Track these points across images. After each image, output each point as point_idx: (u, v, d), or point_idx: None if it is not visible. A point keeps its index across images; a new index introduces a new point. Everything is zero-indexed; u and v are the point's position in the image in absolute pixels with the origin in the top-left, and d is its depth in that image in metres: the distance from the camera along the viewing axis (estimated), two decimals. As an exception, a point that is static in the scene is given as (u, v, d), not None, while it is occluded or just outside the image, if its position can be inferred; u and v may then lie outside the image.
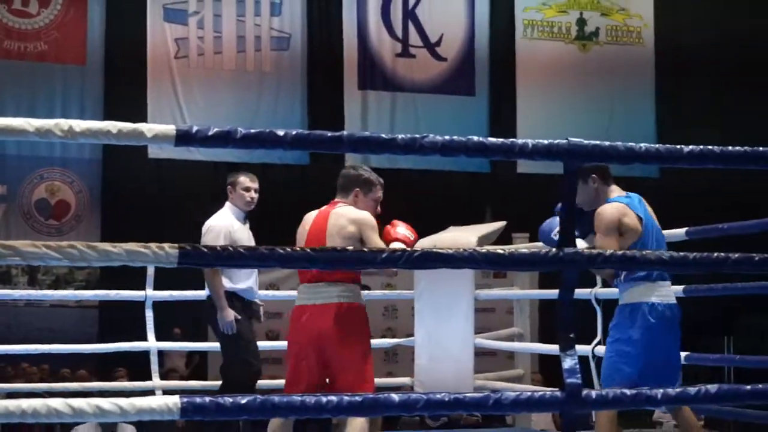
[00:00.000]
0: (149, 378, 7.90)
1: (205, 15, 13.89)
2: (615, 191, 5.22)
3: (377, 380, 8.93)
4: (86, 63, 13.66)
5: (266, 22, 14.10)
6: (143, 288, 7.50)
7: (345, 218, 5.59)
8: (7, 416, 3.07)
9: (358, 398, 3.18)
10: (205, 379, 11.25)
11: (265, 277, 13.19)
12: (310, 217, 5.76)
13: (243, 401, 3.14)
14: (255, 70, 14.08)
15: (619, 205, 5.09)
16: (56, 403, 3.09)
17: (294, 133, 3.35)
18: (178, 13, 13.81)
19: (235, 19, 14.00)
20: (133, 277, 7.78)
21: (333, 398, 3.17)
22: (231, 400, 3.14)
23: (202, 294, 9.64)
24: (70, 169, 13.67)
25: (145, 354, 8.08)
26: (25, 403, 3.08)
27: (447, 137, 3.39)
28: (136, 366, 9.84)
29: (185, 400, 3.15)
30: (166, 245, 3.22)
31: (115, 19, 13.79)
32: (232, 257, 3.26)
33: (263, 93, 13.99)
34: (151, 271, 7.38)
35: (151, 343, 7.56)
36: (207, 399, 3.17)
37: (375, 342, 10.54)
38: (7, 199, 13.45)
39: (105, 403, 3.14)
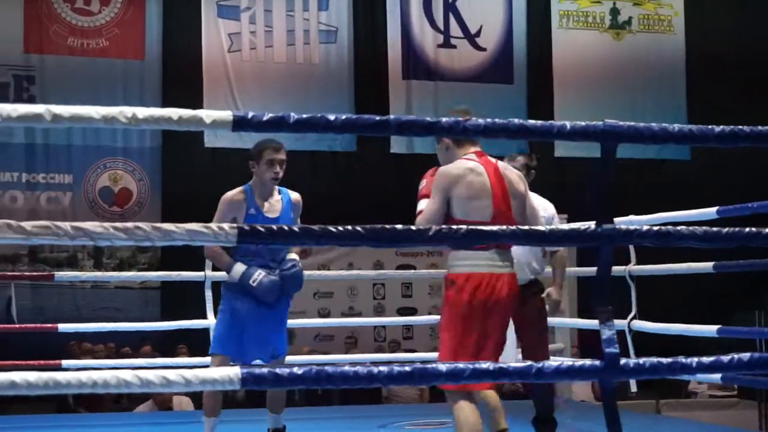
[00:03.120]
0: (208, 354, 7.96)
1: (256, 11, 13.95)
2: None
3: (425, 354, 9.02)
4: (145, 58, 13.75)
5: (314, 17, 14.14)
6: (202, 269, 7.53)
7: (515, 175, 5.11)
8: (80, 387, 3.11)
9: (407, 368, 3.20)
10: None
11: (317, 258, 13.29)
12: (479, 168, 4.93)
13: (300, 372, 3.16)
14: (304, 63, 14.13)
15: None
16: (126, 374, 3.13)
17: (344, 117, 3.36)
18: (230, 9, 13.88)
19: (284, 14, 14.05)
20: (191, 261, 7.84)
21: (384, 368, 3.18)
22: (288, 370, 3.17)
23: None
24: (132, 158, 13.77)
25: (204, 331, 8.14)
26: (96, 375, 3.12)
27: (489, 120, 3.39)
28: (196, 343, 9.93)
29: (245, 371, 3.18)
30: (225, 225, 3.24)
31: (172, 16, 13.87)
32: (286, 236, 3.28)
33: (312, 84, 14.03)
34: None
35: (210, 321, 7.58)
36: (266, 370, 3.20)
37: (423, 318, 10.66)
38: (73, 187, 13.58)
39: (170, 374, 3.17)
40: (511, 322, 5.12)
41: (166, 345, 11.69)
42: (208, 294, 7.55)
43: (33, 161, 13.37)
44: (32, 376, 3.13)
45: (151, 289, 13.36)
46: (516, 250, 5.09)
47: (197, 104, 13.03)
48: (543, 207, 6.16)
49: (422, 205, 5.02)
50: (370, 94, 14.18)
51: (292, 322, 11.89)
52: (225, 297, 5.81)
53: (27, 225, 3.16)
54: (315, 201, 13.31)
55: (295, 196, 6.09)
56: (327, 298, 13.78)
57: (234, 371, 3.20)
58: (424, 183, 5.13)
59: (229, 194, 5.84)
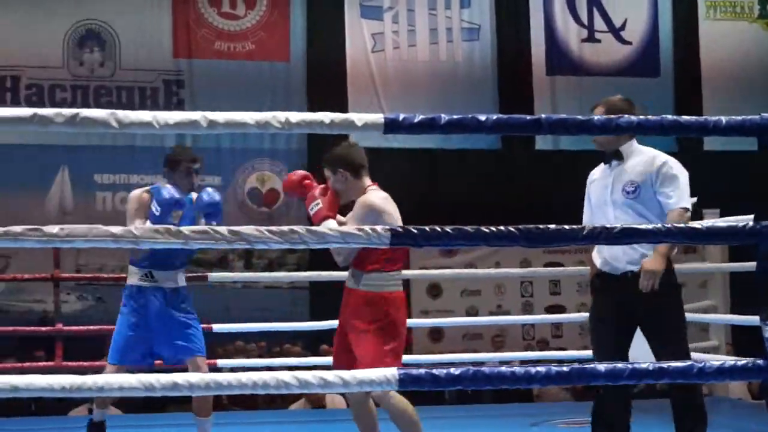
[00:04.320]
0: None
1: (399, 10, 14.00)
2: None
3: (576, 352, 8.93)
4: (290, 60, 13.91)
5: (457, 14, 14.14)
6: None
7: None
8: (241, 388, 3.18)
9: (565, 368, 3.18)
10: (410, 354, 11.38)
11: (464, 257, 13.29)
12: (389, 200, 5.41)
13: (457, 372, 3.17)
14: (447, 61, 14.12)
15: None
16: (285, 375, 3.18)
17: (495, 117, 3.36)
18: (373, 9, 13.96)
19: (427, 13, 14.07)
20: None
21: (541, 369, 3.17)
22: (445, 371, 3.18)
23: (405, 274, 9.73)
24: (279, 159, 13.94)
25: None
26: (256, 376, 3.17)
27: (642, 117, 3.35)
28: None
29: (402, 371, 3.20)
30: (378, 227, 3.27)
31: (316, 18, 13.99)
32: (440, 237, 3.28)
33: (456, 82, 14.03)
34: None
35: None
36: (422, 371, 3.21)
37: (572, 316, 10.55)
38: (222, 189, 13.81)
39: (329, 375, 3.21)
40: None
41: (314, 344, 11.80)
42: (358, 293, 7.57)
43: (183, 164, 13.64)
44: (194, 377, 3.20)
45: (299, 289, 13.51)
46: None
47: (342, 105, 13.14)
48: None
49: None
50: (513, 91, 14.11)
51: (440, 321, 12.05)
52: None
53: (186, 230, 3.24)
54: (461, 199, 13.38)
55: (195, 194, 5.89)
56: (475, 296, 13.75)
57: (391, 372, 3.22)
58: (320, 203, 5.30)
59: (136, 192, 5.83)
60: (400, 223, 5.16)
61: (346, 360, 5.23)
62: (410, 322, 11.84)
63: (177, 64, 13.71)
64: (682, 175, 5.01)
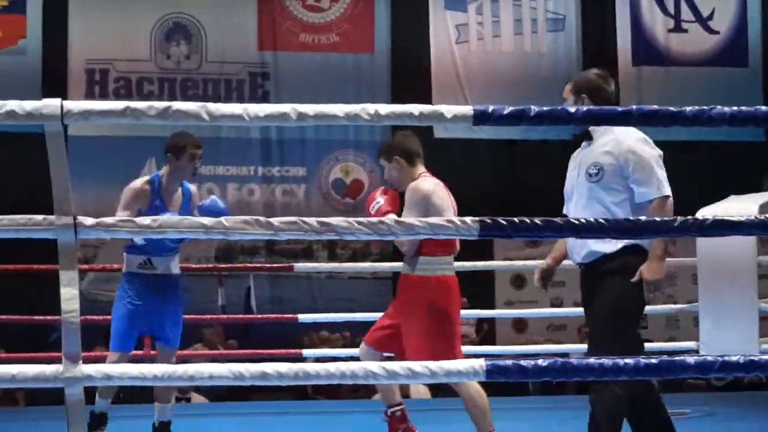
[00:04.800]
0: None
1: (483, 1, 13.93)
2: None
3: (661, 344, 8.86)
4: (374, 52, 13.94)
5: (541, 5, 14.04)
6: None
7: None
8: (329, 377, 3.19)
9: (654, 360, 3.15)
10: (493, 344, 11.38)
11: (549, 248, 13.18)
12: (441, 186, 5.39)
13: (544, 364, 3.16)
14: (532, 52, 14.05)
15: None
16: (372, 366, 3.19)
17: (585, 109, 3.33)
18: (458, 1, 13.91)
19: (511, 4, 14.00)
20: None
21: (630, 361, 3.14)
22: (533, 362, 3.17)
23: (490, 265, 9.72)
24: (363, 150, 13.98)
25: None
26: (344, 366, 3.19)
27: (735, 108, 3.30)
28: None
29: (490, 362, 3.20)
30: (467, 219, 3.26)
31: (399, 10, 14.00)
32: (529, 228, 3.27)
33: (541, 72, 13.93)
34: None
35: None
36: (510, 362, 3.20)
37: (657, 308, 10.46)
38: (307, 180, 13.90)
39: (416, 365, 3.21)
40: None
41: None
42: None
43: (269, 155, 13.74)
44: (283, 367, 3.22)
45: (382, 279, 13.55)
46: None
47: (425, 97, 13.14)
48: None
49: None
50: (600, 82, 14.00)
51: (524, 312, 12.02)
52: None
53: (275, 221, 3.26)
54: (542, 190, 13.28)
55: (194, 189, 5.92)
56: (559, 287, 13.66)
57: (478, 363, 3.22)
58: (381, 201, 5.29)
59: (136, 184, 5.69)
60: (452, 210, 5.28)
61: (389, 345, 5.28)
62: (494, 312, 11.92)
63: (262, 57, 13.80)
64: (654, 157, 4.45)
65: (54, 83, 12.73)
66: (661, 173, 4.44)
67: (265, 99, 13.47)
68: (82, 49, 13.38)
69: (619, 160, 4.44)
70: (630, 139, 4.47)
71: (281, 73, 13.80)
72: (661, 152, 4.49)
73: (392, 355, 5.48)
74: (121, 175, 13.16)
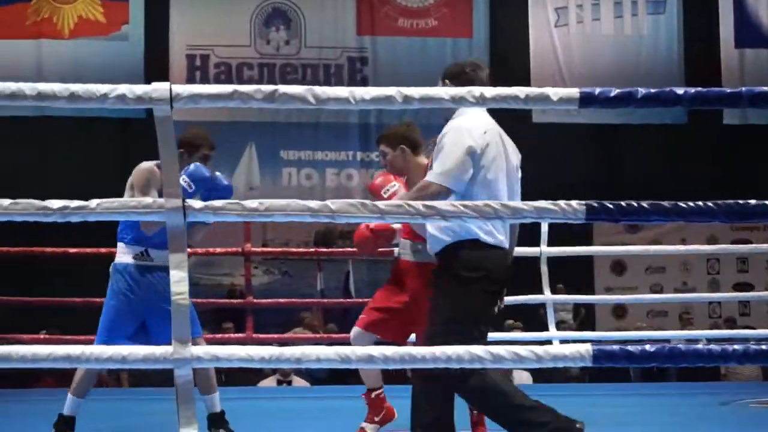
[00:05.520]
0: (538, 329, 8.05)
1: (583, -16, 13.83)
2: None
3: (765, 331, 8.72)
4: (472, 36, 13.89)
5: (642, -13, 13.90)
6: (534, 245, 7.45)
7: None
8: (434, 361, 3.19)
9: (764, 347, 3.10)
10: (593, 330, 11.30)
11: (647, 233, 13.10)
12: None
13: (651, 349, 3.12)
14: (632, 35, 13.89)
15: None
16: (478, 350, 3.18)
17: (693, 91, 3.28)
18: (560, -15, 13.83)
19: (611, -14, 13.88)
20: (521, 236, 7.83)
21: (738, 347, 3.09)
22: (640, 348, 3.13)
23: (591, 250, 9.64)
24: (461, 135, 13.95)
25: (531, 307, 8.20)
26: (451, 350, 3.19)
27: None
28: (530, 317, 9.97)
29: (597, 347, 3.17)
30: (573, 202, 3.23)
31: (498, -7, 13.98)
32: (636, 212, 3.23)
33: (641, 55, 13.79)
34: (545, 228, 7.38)
35: (547, 296, 7.59)
36: (616, 347, 3.17)
37: (761, 294, 10.31)
38: (404, 164, 13.90)
39: (522, 350, 3.20)
40: None
41: (498, 319, 11.77)
42: (544, 269, 7.52)
43: (367, 140, 13.76)
44: (389, 350, 3.23)
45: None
46: None
47: (524, 82, 13.06)
48: None
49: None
50: (699, 64, 13.81)
51: (624, 298, 11.92)
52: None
53: (381, 204, 3.26)
54: (645, 174, 13.16)
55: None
56: (659, 273, 13.57)
57: (585, 347, 3.19)
58: (396, 186, 5.17)
59: (149, 165, 5.19)
60: None
61: (384, 329, 5.17)
62: (594, 298, 11.82)
63: (360, 42, 13.84)
64: (457, 147, 4.11)
65: (155, 69, 12.90)
66: (449, 162, 4.11)
67: (363, 84, 13.51)
68: (183, 35, 13.54)
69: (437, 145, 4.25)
70: (454, 126, 4.24)
71: (379, 57, 13.83)
72: (471, 144, 4.12)
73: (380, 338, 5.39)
74: (223, 159, 13.38)
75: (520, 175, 4.36)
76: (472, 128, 4.17)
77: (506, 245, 4.17)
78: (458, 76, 4.35)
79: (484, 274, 4.04)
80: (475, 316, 4.08)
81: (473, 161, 4.10)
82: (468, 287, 4.04)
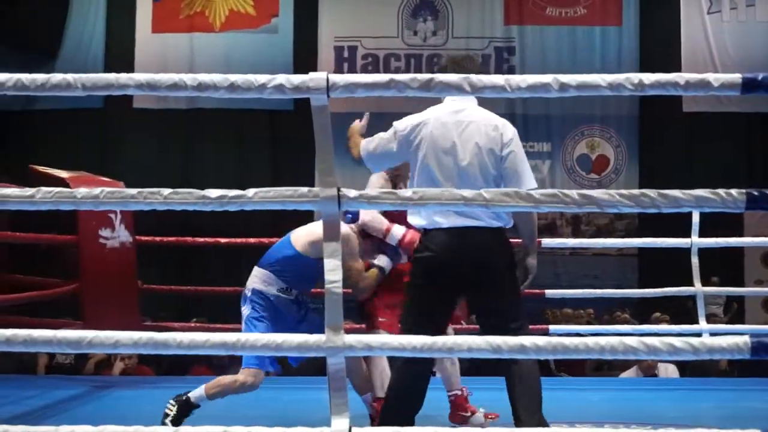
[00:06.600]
0: (685, 322, 7.92)
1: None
2: None
3: None
4: (622, 24, 13.71)
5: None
6: (684, 236, 7.32)
7: None
8: (588, 352, 3.16)
9: None
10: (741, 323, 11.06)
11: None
12: None
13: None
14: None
15: None
16: (632, 341, 3.14)
17: None
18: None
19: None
20: (669, 227, 7.71)
21: None
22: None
23: (744, 241, 9.42)
24: (609, 125, 13.79)
25: (678, 299, 8.05)
26: (603, 341, 3.15)
27: None
28: (678, 310, 9.82)
29: (755, 339, 3.10)
30: (733, 191, 3.16)
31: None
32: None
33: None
34: (696, 218, 7.21)
35: (698, 288, 7.42)
36: (778, 338, 3.10)
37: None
38: (552, 155, 13.80)
39: (677, 341, 3.15)
40: None
41: (644, 312, 11.61)
42: (695, 261, 7.34)
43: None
44: (541, 341, 3.21)
45: (628, 256, 13.36)
46: None
47: (675, 68, 12.84)
48: None
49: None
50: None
51: (740, 289, 11.56)
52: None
53: (536, 194, 3.24)
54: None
55: None
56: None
57: (743, 339, 3.13)
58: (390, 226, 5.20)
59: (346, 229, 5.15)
60: None
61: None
62: (743, 290, 11.57)
63: (508, 31, 13.78)
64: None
65: (304, 61, 13.05)
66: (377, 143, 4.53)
67: (510, 73, 13.42)
68: (331, 27, 13.67)
69: None
70: None
71: (527, 47, 13.75)
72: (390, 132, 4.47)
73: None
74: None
75: (494, 172, 4.26)
76: (413, 116, 4.42)
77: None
78: (450, 67, 4.42)
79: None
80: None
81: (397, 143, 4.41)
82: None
